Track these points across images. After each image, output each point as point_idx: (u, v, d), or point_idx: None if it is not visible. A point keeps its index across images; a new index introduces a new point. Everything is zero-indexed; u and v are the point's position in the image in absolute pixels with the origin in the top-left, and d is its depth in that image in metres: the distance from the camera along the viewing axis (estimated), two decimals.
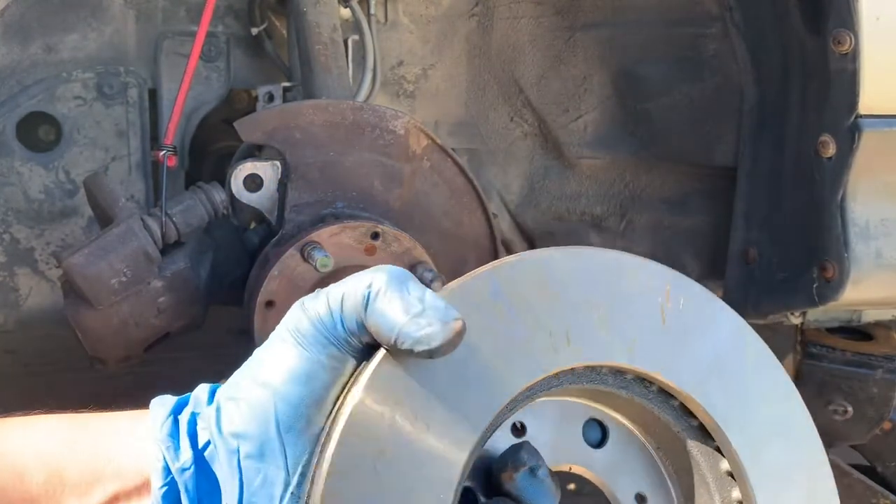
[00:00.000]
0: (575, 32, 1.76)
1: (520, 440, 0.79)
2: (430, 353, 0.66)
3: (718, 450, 0.80)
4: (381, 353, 0.69)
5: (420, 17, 1.78)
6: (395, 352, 0.68)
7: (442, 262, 1.49)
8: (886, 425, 1.65)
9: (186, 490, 0.68)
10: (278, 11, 1.68)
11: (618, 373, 0.78)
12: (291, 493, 0.68)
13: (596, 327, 0.75)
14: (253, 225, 1.46)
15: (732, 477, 0.80)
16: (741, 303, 1.60)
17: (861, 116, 1.33)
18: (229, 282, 1.40)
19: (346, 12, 1.65)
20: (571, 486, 1.64)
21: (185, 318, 1.34)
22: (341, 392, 0.69)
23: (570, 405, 0.84)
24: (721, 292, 1.66)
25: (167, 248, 1.30)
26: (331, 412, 0.69)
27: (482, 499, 0.76)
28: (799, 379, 1.66)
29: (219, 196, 1.33)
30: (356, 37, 1.66)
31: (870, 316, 1.59)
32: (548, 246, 1.90)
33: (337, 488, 0.65)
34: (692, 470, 0.83)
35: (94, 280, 1.24)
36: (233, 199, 1.36)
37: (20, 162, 1.54)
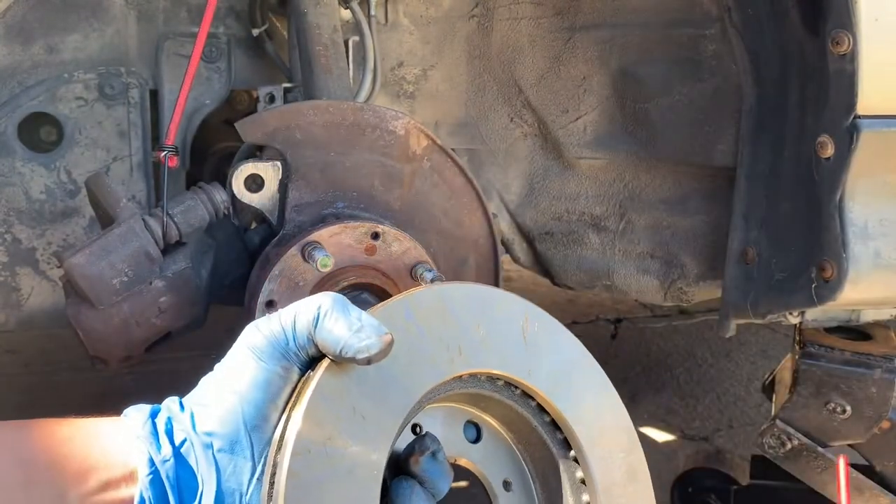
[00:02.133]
0: (574, 33, 1.77)
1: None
2: (369, 360, 0.84)
3: (565, 440, 1.05)
4: (325, 363, 0.86)
5: (420, 18, 1.78)
6: (339, 361, 0.85)
7: (442, 262, 1.49)
8: (885, 424, 1.65)
9: (168, 478, 0.83)
10: (279, 12, 1.69)
11: (493, 379, 1.02)
12: (257, 478, 0.84)
13: (478, 343, 0.98)
14: (254, 225, 1.46)
15: (577, 462, 1.04)
16: (740, 303, 1.60)
17: (859, 117, 1.33)
18: (230, 282, 1.40)
19: (346, 13, 1.66)
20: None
21: (186, 318, 1.34)
22: (291, 394, 0.87)
23: (454, 410, 1.07)
24: (720, 292, 1.66)
25: (168, 249, 1.30)
26: (283, 410, 0.86)
27: (389, 482, 0.93)
28: (797, 378, 1.66)
29: (220, 196, 1.33)
30: (356, 38, 1.66)
31: (868, 316, 1.59)
32: (547, 246, 1.92)
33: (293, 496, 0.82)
34: (549, 457, 1.07)
35: (96, 280, 1.23)
36: (234, 200, 1.36)
37: (22, 162, 1.55)
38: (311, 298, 0.89)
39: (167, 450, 0.84)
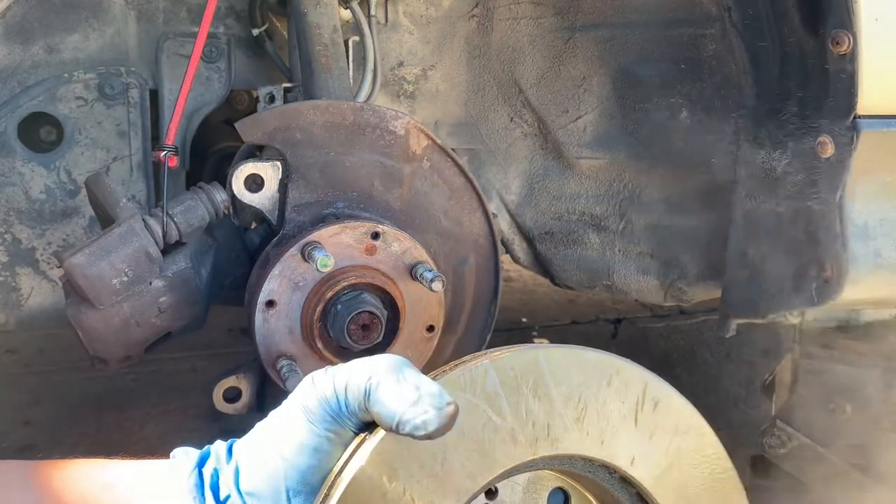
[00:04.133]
0: (574, 33, 1.76)
1: (492, 502, 0.90)
2: (428, 437, 0.77)
3: None
4: (382, 432, 0.79)
5: (420, 18, 1.78)
6: (396, 434, 0.79)
7: (442, 262, 1.49)
8: (885, 424, 1.65)
9: None
10: (279, 12, 1.69)
11: (587, 460, 0.89)
12: None
13: (574, 423, 0.84)
14: (254, 225, 1.46)
15: None
16: (740, 303, 1.60)
17: (859, 117, 1.32)
18: (230, 282, 1.40)
19: (346, 13, 1.66)
20: None
21: (186, 318, 1.34)
22: (341, 460, 0.81)
23: (540, 475, 0.94)
24: (720, 292, 1.66)
25: (168, 248, 1.30)
26: (331, 478, 0.80)
27: None
28: (797, 379, 1.66)
29: (220, 196, 1.33)
30: (356, 38, 1.66)
31: (868, 315, 1.59)
32: (547, 246, 1.92)
33: None
34: None
35: (96, 280, 1.23)
36: (234, 200, 1.36)
37: (21, 162, 1.55)
38: (366, 362, 0.82)
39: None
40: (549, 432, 0.83)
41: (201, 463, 0.84)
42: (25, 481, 0.83)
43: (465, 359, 0.85)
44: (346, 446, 0.82)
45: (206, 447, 0.86)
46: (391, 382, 0.79)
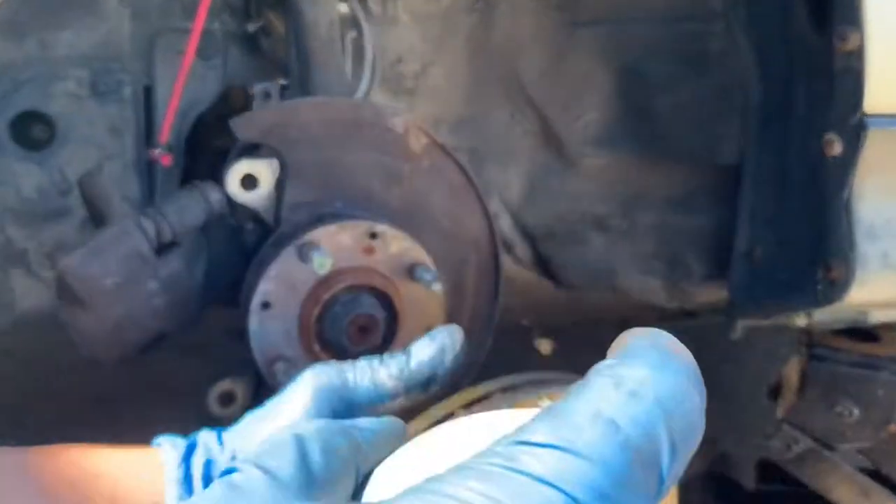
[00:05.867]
0: (577, 29, 1.75)
1: None
2: None
3: None
4: None
5: (420, 13, 1.77)
6: None
7: (442, 262, 1.47)
8: (892, 428, 1.65)
9: None
10: (275, 8, 1.67)
11: None
12: None
13: None
14: (249, 225, 1.45)
15: None
16: (746, 304, 1.60)
17: (867, 115, 1.32)
18: (225, 282, 1.39)
19: (344, 8, 1.64)
20: None
21: (181, 319, 1.33)
22: None
23: None
24: (725, 293, 1.65)
25: (162, 249, 1.28)
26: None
27: None
28: (804, 381, 1.65)
29: (215, 195, 1.32)
30: (354, 33, 1.65)
31: (876, 317, 1.58)
32: (549, 246, 1.91)
33: None
34: None
35: (89, 281, 1.22)
36: (229, 199, 1.35)
37: (13, 161, 1.53)
38: None
39: (200, 493, 0.77)
40: None
41: (189, 453, 0.81)
42: (13, 467, 0.82)
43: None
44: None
45: (192, 436, 0.83)
46: None
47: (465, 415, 0.62)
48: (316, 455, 0.54)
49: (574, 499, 0.40)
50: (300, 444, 0.55)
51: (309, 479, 0.53)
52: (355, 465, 0.57)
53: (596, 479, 0.41)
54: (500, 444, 0.43)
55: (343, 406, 0.80)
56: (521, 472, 0.41)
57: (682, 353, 0.50)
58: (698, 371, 0.50)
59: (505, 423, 0.52)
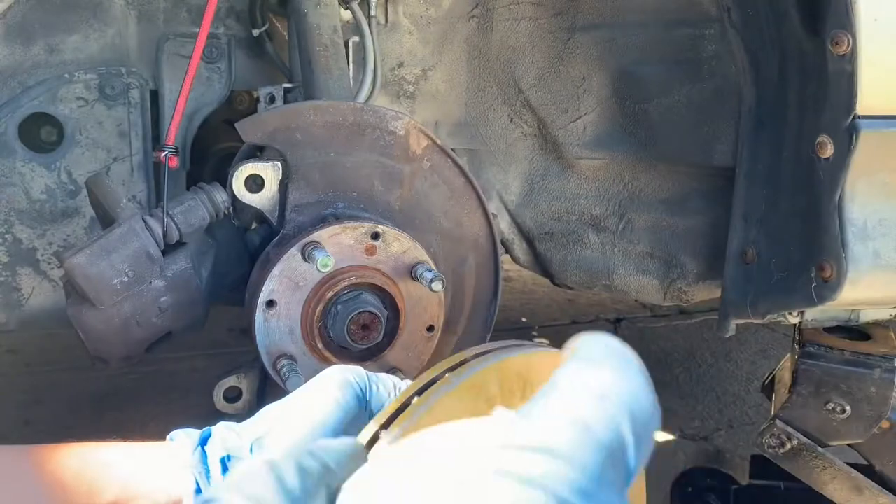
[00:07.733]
0: (574, 34, 1.76)
1: None
2: None
3: None
4: None
5: (420, 18, 1.79)
6: None
7: (442, 262, 1.49)
8: (884, 424, 1.65)
9: None
10: (279, 13, 1.69)
11: None
12: None
13: None
14: (254, 225, 1.46)
15: None
16: (739, 303, 1.59)
17: (859, 117, 1.32)
18: (230, 282, 1.40)
19: (346, 14, 1.66)
20: None
21: (187, 318, 1.34)
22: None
23: None
24: (720, 292, 1.66)
25: (169, 249, 1.30)
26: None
27: None
28: (797, 378, 1.66)
29: (220, 196, 1.33)
30: (357, 38, 1.66)
31: (868, 315, 1.59)
32: (547, 246, 1.92)
33: None
34: None
35: (96, 280, 1.23)
36: (234, 200, 1.36)
37: (22, 162, 1.55)
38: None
39: (219, 480, 0.78)
40: None
41: (203, 441, 0.82)
42: (20, 464, 0.82)
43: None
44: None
45: (207, 428, 0.83)
46: None
47: (454, 377, 0.66)
48: (291, 477, 0.57)
49: (559, 498, 0.44)
50: (275, 468, 0.57)
51: (288, 500, 0.56)
52: (325, 484, 0.60)
53: (576, 479, 0.45)
54: (486, 449, 0.47)
55: (361, 407, 0.79)
56: (508, 475, 0.45)
57: (632, 355, 0.54)
58: (645, 368, 0.54)
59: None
